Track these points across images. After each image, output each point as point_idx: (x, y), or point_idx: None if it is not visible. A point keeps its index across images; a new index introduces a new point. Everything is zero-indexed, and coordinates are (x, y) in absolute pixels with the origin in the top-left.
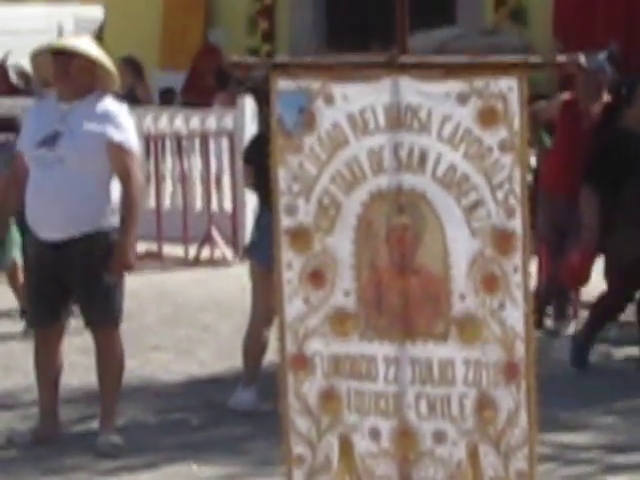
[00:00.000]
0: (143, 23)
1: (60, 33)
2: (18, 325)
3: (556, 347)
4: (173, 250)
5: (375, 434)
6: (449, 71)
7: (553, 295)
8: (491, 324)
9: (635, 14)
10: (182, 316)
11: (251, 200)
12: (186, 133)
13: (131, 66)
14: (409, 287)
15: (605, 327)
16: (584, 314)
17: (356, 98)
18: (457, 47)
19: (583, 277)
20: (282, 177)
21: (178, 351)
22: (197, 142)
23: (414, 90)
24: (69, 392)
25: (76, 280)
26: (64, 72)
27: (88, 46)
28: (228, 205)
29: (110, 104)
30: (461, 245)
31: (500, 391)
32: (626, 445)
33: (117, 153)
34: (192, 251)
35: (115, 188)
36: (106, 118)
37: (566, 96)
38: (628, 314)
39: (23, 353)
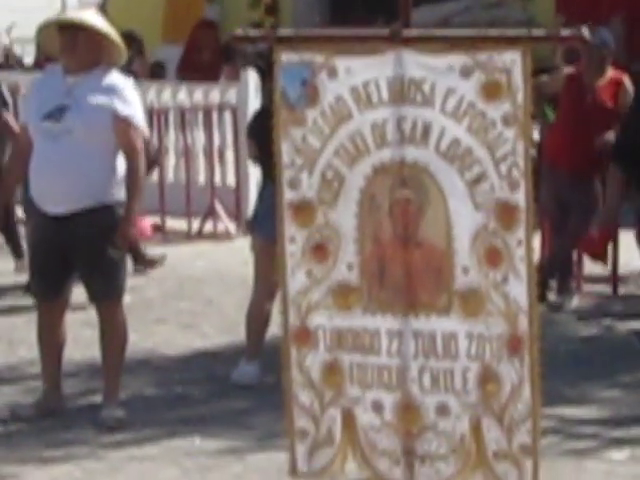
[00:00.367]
0: None
1: (64, 7)
2: (21, 299)
3: (559, 321)
4: (176, 224)
5: (378, 407)
6: (453, 45)
7: (556, 269)
8: (494, 297)
9: None
10: (185, 290)
11: (254, 174)
12: (189, 107)
13: (130, 40)
14: (412, 260)
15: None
16: (587, 288)
17: (359, 71)
18: (461, 20)
19: (600, 254)
20: (285, 151)
21: (181, 325)
22: (200, 116)
23: (417, 63)
24: (72, 366)
25: (80, 254)
26: (71, 45)
27: (94, 19)
28: (231, 179)
29: (117, 78)
30: (464, 218)
31: (503, 365)
32: (629, 419)
33: (122, 127)
34: (195, 225)
35: (120, 162)
36: (112, 92)
37: (570, 70)
38: (632, 287)
39: (26, 327)
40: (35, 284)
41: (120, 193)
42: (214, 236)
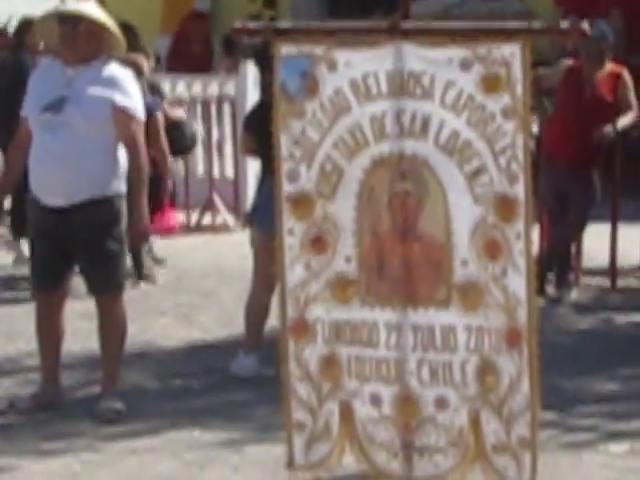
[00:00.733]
0: None
1: None
2: (20, 291)
3: (558, 314)
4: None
5: (376, 400)
6: (452, 37)
7: (554, 262)
8: (493, 290)
9: None
10: (184, 282)
11: (253, 166)
12: (188, 99)
13: (125, 32)
14: (411, 253)
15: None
16: (585, 281)
17: (359, 64)
18: (460, 13)
19: None
20: (284, 143)
21: (180, 317)
22: (199, 108)
23: (417, 56)
24: (71, 358)
25: (79, 246)
26: (70, 37)
27: (94, 11)
28: (230, 171)
29: (116, 69)
30: (463, 211)
31: (502, 357)
32: (628, 412)
33: (122, 118)
34: (194, 217)
35: (121, 154)
36: (112, 83)
37: (569, 63)
38: (631, 280)
39: (25, 319)
40: (34, 276)
41: (120, 185)
42: (213, 229)
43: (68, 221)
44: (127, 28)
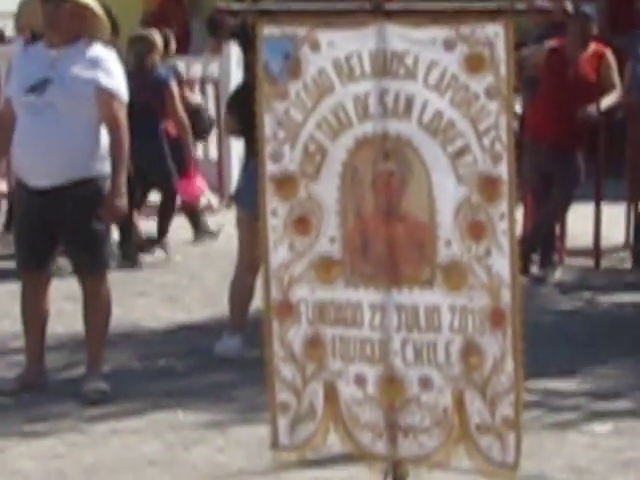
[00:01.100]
0: None
1: None
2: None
3: (542, 294)
4: (158, 197)
5: (360, 381)
6: (435, 17)
7: (538, 242)
8: (477, 270)
9: None
10: (168, 263)
11: (237, 147)
12: None
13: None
14: (395, 233)
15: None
16: (569, 261)
17: (342, 44)
18: None
19: None
20: (268, 124)
21: (164, 298)
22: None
23: (400, 36)
24: (55, 339)
25: (64, 227)
26: (54, 18)
27: None
28: (214, 152)
29: (99, 50)
30: (447, 192)
31: (486, 338)
32: (611, 392)
33: (105, 99)
34: (178, 198)
35: (104, 135)
36: (96, 64)
37: (552, 43)
38: (614, 260)
39: (10, 300)
40: (19, 257)
41: (104, 166)
42: None
43: (52, 202)
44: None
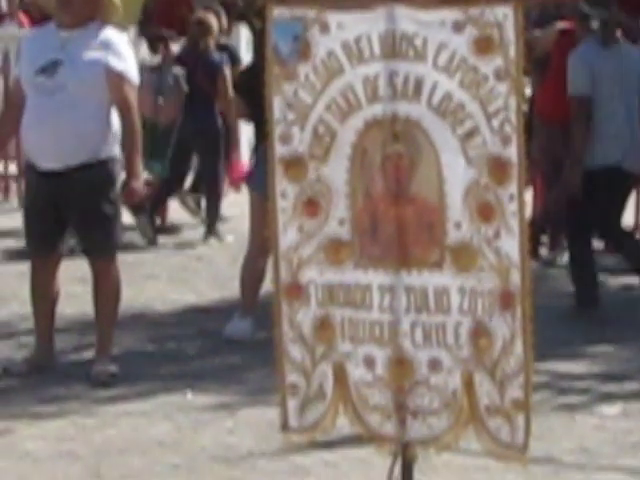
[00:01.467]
0: None
1: None
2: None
3: (551, 276)
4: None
5: (370, 363)
6: None
7: (548, 224)
8: (486, 252)
9: None
10: (177, 245)
11: (246, 130)
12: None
13: None
14: (404, 215)
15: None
16: None
17: (351, 26)
18: None
19: None
20: (277, 106)
21: (173, 280)
22: None
23: (409, 18)
24: (64, 321)
25: (74, 210)
26: (67, 0)
27: None
28: None
29: (111, 33)
30: (456, 173)
31: (495, 319)
32: (621, 374)
33: (116, 82)
34: (188, 180)
35: (114, 118)
36: (107, 47)
37: (562, 25)
38: None
39: (19, 282)
40: (29, 239)
41: (114, 149)
42: None
43: (62, 184)
44: None
